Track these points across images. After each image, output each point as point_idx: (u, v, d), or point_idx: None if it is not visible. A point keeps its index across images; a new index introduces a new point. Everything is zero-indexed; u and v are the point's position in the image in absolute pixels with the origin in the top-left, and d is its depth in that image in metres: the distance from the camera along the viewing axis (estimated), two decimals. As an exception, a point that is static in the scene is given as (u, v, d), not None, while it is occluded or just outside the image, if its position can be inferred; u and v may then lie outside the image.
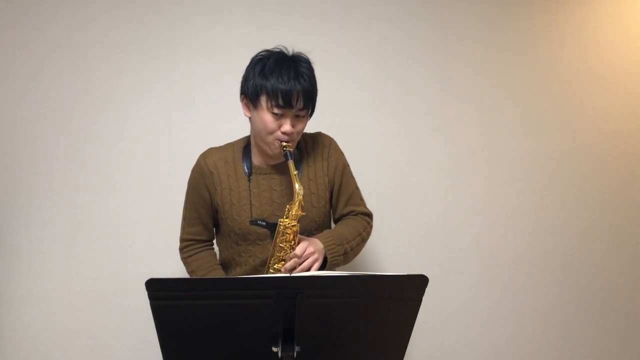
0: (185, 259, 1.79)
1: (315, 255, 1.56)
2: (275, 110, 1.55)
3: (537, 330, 2.39)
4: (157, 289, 1.19)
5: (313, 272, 1.46)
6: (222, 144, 2.19)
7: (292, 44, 2.20)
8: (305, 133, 1.73)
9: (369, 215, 1.80)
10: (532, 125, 2.36)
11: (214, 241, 1.84)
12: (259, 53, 1.64)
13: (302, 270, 1.54)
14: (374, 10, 2.27)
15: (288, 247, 1.57)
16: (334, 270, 1.64)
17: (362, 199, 1.80)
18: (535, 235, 2.37)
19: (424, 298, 1.29)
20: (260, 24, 2.21)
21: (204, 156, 1.74)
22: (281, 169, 1.66)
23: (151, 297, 1.20)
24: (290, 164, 1.55)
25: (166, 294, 1.21)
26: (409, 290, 1.29)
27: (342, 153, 1.78)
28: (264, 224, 1.62)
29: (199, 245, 1.77)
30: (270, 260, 1.60)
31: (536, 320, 2.39)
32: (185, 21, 2.18)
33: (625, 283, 2.42)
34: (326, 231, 1.69)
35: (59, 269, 2.15)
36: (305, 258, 1.55)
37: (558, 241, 2.38)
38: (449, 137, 2.32)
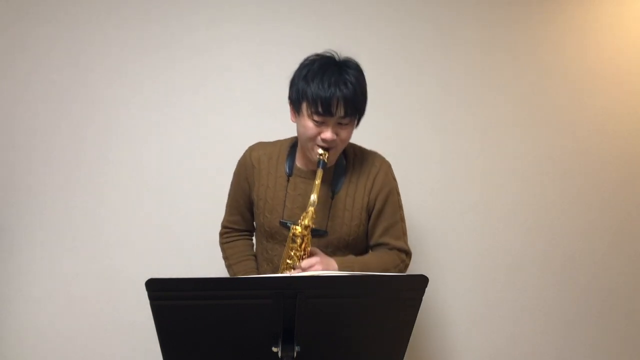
0: (222, 245, 1.81)
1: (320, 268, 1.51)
2: (315, 118, 1.50)
3: (537, 330, 2.39)
4: (157, 289, 1.19)
5: (313, 272, 1.46)
6: (222, 143, 2.21)
7: (291, 44, 2.22)
8: (361, 148, 1.71)
9: (407, 253, 1.69)
10: (532, 125, 2.36)
11: (253, 233, 1.84)
12: (308, 57, 1.58)
13: None
14: (373, 10, 2.27)
15: (296, 256, 1.54)
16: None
17: (404, 234, 1.70)
18: (535, 235, 2.37)
19: (424, 298, 1.29)
20: (260, 23, 2.21)
21: (251, 149, 1.72)
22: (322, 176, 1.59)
23: (151, 297, 1.20)
24: (319, 172, 1.50)
25: (166, 294, 1.21)
26: (409, 290, 1.29)
27: (394, 179, 1.70)
28: (290, 227, 1.57)
29: (236, 234, 1.79)
30: (282, 265, 1.59)
31: (536, 320, 2.39)
32: (185, 20, 2.19)
33: (625, 283, 2.42)
34: (350, 257, 1.62)
35: (59, 269, 2.15)
36: None
37: (558, 241, 2.38)
38: (448, 137, 2.32)
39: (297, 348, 1.25)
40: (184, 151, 2.20)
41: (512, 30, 2.34)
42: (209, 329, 1.26)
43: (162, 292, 1.21)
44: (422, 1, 2.29)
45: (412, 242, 2.30)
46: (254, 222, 1.78)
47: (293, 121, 1.61)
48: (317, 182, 1.49)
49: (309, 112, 1.51)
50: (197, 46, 2.19)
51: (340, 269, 1.53)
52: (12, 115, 2.14)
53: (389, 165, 1.71)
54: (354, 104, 1.52)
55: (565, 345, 2.40)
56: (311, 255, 1.55)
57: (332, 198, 1.62)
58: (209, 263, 2.14)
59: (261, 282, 1.28)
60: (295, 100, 1.55)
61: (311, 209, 1.48)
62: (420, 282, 1.26)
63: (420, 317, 1.32)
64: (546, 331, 2.39)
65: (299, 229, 1.51)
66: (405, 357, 1.38)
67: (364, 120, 2.27)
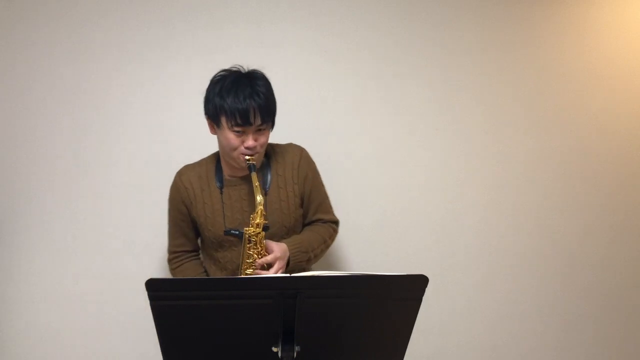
0: (172, 271, 1.90)
1: (282, 264, 1.67)
2: (236, 129, 1.64)
3: (537, 330, 2.39)
4: (157, 289, 1.19)
5: (313, 272, 1.46)
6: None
7: (291, 44, 2.22)
8: (277, 144, 1.84)
9: (336, 222, 1.91)
10: (532, 125, 2.36)
11: (199, 252, 1.93)
12: (217, 73, 1.72)
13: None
14: (374, 9, 2.27)
15: (255, 253, 1.66)
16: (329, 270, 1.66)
17: (330, 207, 1.90)
18: (535, 235, 2.37)
19: (424, 298, 1.29)
20: (260, 24, 2.21)
21: (180, 174, 1.84)
22: (250, 180, 1.71)
23: (151, 297, 1.20)
24: (253, 175, 1.64)
25: (166, 294, 1.21)
26: (409, 290, 1.30)
27: (312, 162, 1.85)
28: (236, 233, 1.71)
29: (184, 257, 1.87)
30: (242, 266, 1.70)
31: (536, 320, 2.39)
32: (184, 21, 2.18)
33: (625, 282, 2.42)
34: (294, 237, 1.77)
35: (59, 269, 2.15)
36: (276, 270, 1.65)
37: (559, 241, 2.38)
38: (449, 137, 2.32)
39: (297, 348, 1.25)
40: (184, 151, 2.19)
41: (512, 30, 2.34)
42: (209, 328, 1.26)
43: (162, 292, 1.21)
44: (422, 1, 2.29)
45: (412, 242, 2.31)
46: (199, 239, 1.89)
47: (213, 134, 1.76)
48: (256, 185, 1.64)
49: (229, 124, 1.64)
50: (197, 47, 2.18)
51: (291, 251, 1.69)
52: (12, 115, 2.14)
53: (306, 152, 1.85)
54: (268, 111, 1.67)
55: (565, 345, 2.40)
56: (267, 248, 1.67)
57: (266, 195, 1.75)
58: (209, 263, 2.14)
59: (261, 282, 1.28)
60: (214, 115, 1.68)
61: (260, 207, 1.63)
62: (420, 282, 1.26)
63: (420, 317, 1.32)
64: (546, 331, 2.39)
65: (251, 229, 1.65)
66: (405, 357, 1.38)
67: (364, 120, 2.28)
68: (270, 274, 1.63)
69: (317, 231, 1.84)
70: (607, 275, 2.41)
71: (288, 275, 1.49)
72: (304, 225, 1.87)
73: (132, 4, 2.16)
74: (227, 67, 2.19)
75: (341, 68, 2.26)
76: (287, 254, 1.70)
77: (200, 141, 2.19)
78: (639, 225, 2.43)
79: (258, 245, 1.66)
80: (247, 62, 2.20)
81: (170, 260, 1.89)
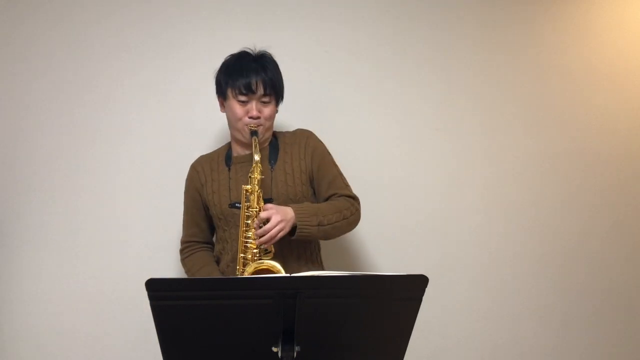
0: (182, 260, 1.90)
1: (282, 224, 1.62)
2: (240, 98, 1.72)
3: (537, 330, 2.39)
4: (157, 289, 1.19)
5: (313, 272, 1.46)
6: (221, 145, 2.21)
7: (291, 45, 2.21)
8: (286, 131, 1.89)
9: (354, 197, 1.82)
10: (532, 125, 2.36)
11: (212, 246, 1.92)
12: (226, 58, 1.82)
13: (270, 238, 1.61)
14: (373, 10, 2.27)
15: (254, 213, 1.66)
16: (331, 271, 1.65)
17: (346, 184, 1.84)
18: (535, 235, 2.37)
19: (424, 298, 1.29)
20: (260, 26, 2.21)
21: (193, 164, 1.91)
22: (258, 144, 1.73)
23: (151, 297, 1.20)
24: (254, 139, 1.69)
25: (166, 294, 1.21)
26: (409, 290, 1.30)
27: (321, 142, 1.86)
28: (240, 205, 1.71)
29: (195, 247, 1.88)
30: (241, 226, 1.69)
31: (536, 320, 2.38)
32: (186, 24, 2.18)
33: (625, 282, 2.42)
34: (306, 203, 1.76)
35: (59, 269, 2.15)
36: (272, 226, 1.61)
37: (558, 241, 2.38)
38: (449, 137, 2.32)
39: (297, 348, 1.25)
40: (184, 152, 2.19)
41: (512, 30, 2.34)
42: (209, 329, 1.26)
43: (162, 292, 1.21)
44: (422, 1, 2.29)
45: (412, 242, 2.31)
46: (214, 234, 1.91)
47: (222, 111, 1.83)
48: (254, 145, 1.67)
49: (234, 94, 1.73)
50: (198, 50, 2.18)
51: (296, 212, 1.65)
52: (13, 115, 2.14)
53: (312, 132, 1.88)
54: (272, 83, 1.74)
55: (565, 345, 2.40)
56: (265, 207, 1.65)
57: (272, 170, 1.78)
58: (209, 263, 2.14)
59: (261, 282, 1.28)
60: (221, 91, 1.78)
61: (258, 164, 1.66)
62: (420, 282, 1.26)
63: (420, 317, 1.32)
64: (546, 331, 2.39)
65: (249, 186, 1.67)
66: (405, 357, 1.38)
67: (365, 120, 2.27)
68: (268, 229, 1.60)
69: (331, 203, 1.78)
70: (606, 274, 2.41)
71: (288, 275, 1.49)
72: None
73: (132, 9, 2.16)
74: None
75: (341, 69, 2.26)
76: (289, 214, 1.64)
77: (200, 141, 2.20)
78: (639, 225, 2.43)
79: (255, 205, 1.66)
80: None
81: (181, 251, 1.91)
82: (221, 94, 1.79)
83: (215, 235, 1.92)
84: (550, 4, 2.35)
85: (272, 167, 1.78)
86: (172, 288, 1.22)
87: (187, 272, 1.88)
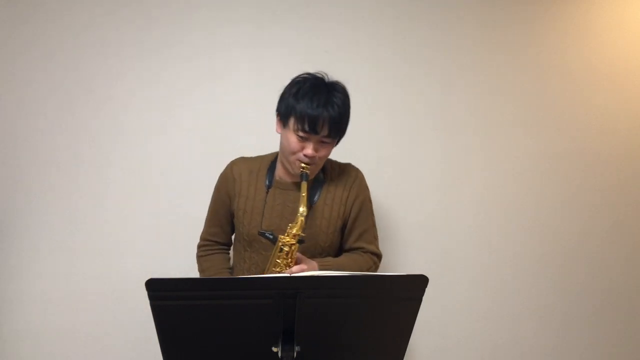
0: (198, 257, 1.86)
1: None
2: (301, 134, 1.59)
3: (537, 330, 2.39)
4: (157, 289, 1.19)
5: (313, 272, 1.46)
6: (221, 144, 2.21)
7: (291, 45, 2.21)
8: (335, 161, 1.80)
9: (378, 256, 1.79)
10: (531, 125, 2.36)
11: (231, 247, 1.89)
12: (300, 75, 1.66)
13: None
14: (373, 10, 2.27)
15: (284, 264, 1.61)
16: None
17: (375, 238, 1.79)
18: (534, 235, 2.37)
19: (424, 298, 1.29)
20: (260, 25, 2.21)
21: (232, 164, 1.80)
22: (298, 187, 1.66)
23: (151, 297, 1.20)
24: (304, 185, 1.59)
25: (166, 294, 1.21)
26: (409, 290, 1.29)
27: (366, 188, 1.79)
28: (271, 237, 1.66)
29: (215, 247, 1.84)
30: (267, 272, 1.64)
31: (536, 319, 2.39)
32: (184, 21, 2.18)
33: (624, 282, 2.42)
34: (329, 258, 1.71)
35: (59, 269, 2.15)
36: None
37: (558, 241, 2.38)
38: (449, 137, 2.32)
39: (297, 348, 1.25)
40: (184, 152, 2.19)
41: (512, 30, 2.34)
42: (209, 329, 1.26)
43: (162, 292, 1.21)
44: (422, 1, 2.29)
45: (412, 242, 2.31)
46: (233, 234, 1.84)
47: (278, 132, 1.69)
48: (303, 194, 1.57)
49: (296, 127, 1.59)
50: (197, 49, 2.18)
51: (320, 270, 1.59)
52: (13, 115, 2.14)
53: (362, 176, 1.80)
54: (338, 126, 1.61)
55: (565, 345, 2.40)
56: (298, 262, 1.61)
57: (310, 208, 1.68)
58: (209, 263, 2.14)
59: (261, 282, 1.28)
60: (284, 114, 1.63)
61: (301, 219, 1.56)
62: (420, 282, 1.26)
63: (420, 317, 1.32)
64: (546, 331, 2.39)
65: (287, 238, 1.58)
66: (405, 357, 1.38)
67: (365, 120, 2.27)
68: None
69: (354, 259, 1.74)
70: (606, 274, 2.41)
71: (288, 275, 1.49)
72: (343, 251, 1.79)
73: (132, 7, 2.16)
74: (225, 67, 2.21)
75: (340, 69, 2.25)
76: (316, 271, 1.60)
77: (201, 141, 2.20)
78: (638, 225, 2.43)
79: (289, 257, 1.60)
80: (247, 65, 2.22)
81: (199, 247, 1.86)
82: (281, 115, 1.65)
83: (233, 240, 1.87)
84: (551, 4, 2.35)
85: (310, 206, 1.69)
86: (172, 288, 1.22)
87: (200, 271, 1.84)
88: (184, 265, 2.11)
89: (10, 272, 2.14)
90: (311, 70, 1.66)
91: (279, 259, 1.61)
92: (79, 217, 2.15)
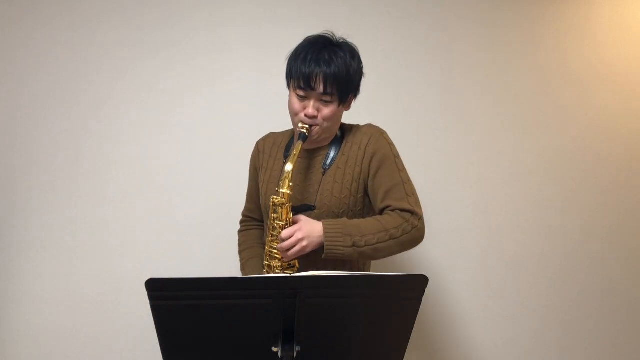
0: (238, 232, 1.87)
1: (303, 243, 1.48)
2: (298, 92, 1.54)
3: (537, 330, 2.39)
4: (157, 289, 1.19)
5: (313, 272, 1.46)
6: (222, 144, 2.21)
7: (291, 44, 2.21)
8: (357, 125, 1.69)
9: (412, 212, 1.53)
10: (531, 125, 2.36)
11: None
12: (307, 37, 1.61)
13: (290, 257, 1.50)
14: (373, 11, 2.27)
15: (279, 227, 1.53)
16: (341, 270, 1.63)
17: (408, 194, 1.56)
18: (535, 235, 2.37)
19: (424, 298, 1.29)
20: (261, 24, 2.21)
21: (262, 138, 1.81)
22: (312, 153, 1.64)
23: (151, 297, 1.19)
24: (298, 144, 1.52)
25: (166, 294, 1.21)
26: (409, 290, 1.29)
27: (388, 144, 1.63)
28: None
29: (251, 223, 1.84)
30: (267, 237, 1.59)
31: (536, 319, 2.39)
32: (186, 21, 2.19)
33: (625, 282, 2.42)
34: (343, 219, 1.54)
35: (59, 269, 2.15)
36: (291, 245, 1.49)
37: (558, 241, 2.38)
38: (449, 137, 2.32)
39: (297, 348, 1.24)
40: (185, 152, 2.20)
41: (512, 30, 2.34)
42: (209, 329, 1.26)
43: (162, 292, 1.20)
44: (422, 1, 2.29)
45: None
46: None
47: None
48: (294, 153, 1.51)
49: (294, 86, 1.55)
50: (198, 48, 2.19)
51: (326, 230, 1.49)
52: (13, 115, 2.14)
53: (382, 132, 1.66)
54: (335, 82, 1.52)
55: (565, 345, 2.40)
56: (294, 222, 1.53)
57: (324, 174, 1.60)
58: (210, 263, 2.14)
59: (261, 282, 1.27)
60: (287, 77, 1.60)
61: (286, 176, 1.49)
62: (420, 282, 1.26)
63: (420, 317, 1.32)
64: (546, 331, 2.39)
65: (278, 198, 1.51)
66: (405, 357, 1.38)
67: (365, 120, 2.27)
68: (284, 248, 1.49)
69: (378, 219, 1.53)
70: (606, 274, 2.41)
71: (288, 275, 1.49)
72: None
73: (132, 6, 2.16)
74: (226, 67, 2.21)
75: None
76: (316, 231, 1.49)
77: (201, 140, 2.20)
78: (638, 225, 2.43)
79: (284, 218, 1.51)
80: (248, 64, 2.22)
81: (240, 223, 1.87)
82: (287, 80, 1.60)
83: None
84: (551, 4, 2.35)
85: (323, 172, 1.60)
86: (172, 288, 1.22)
87: (239, 244, 1.82)
88: (184, 265, 2.11)
89: (10, 272, 2.14)
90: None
91: (274, 221, 1.53)
92: (79, 217, 2.15)
